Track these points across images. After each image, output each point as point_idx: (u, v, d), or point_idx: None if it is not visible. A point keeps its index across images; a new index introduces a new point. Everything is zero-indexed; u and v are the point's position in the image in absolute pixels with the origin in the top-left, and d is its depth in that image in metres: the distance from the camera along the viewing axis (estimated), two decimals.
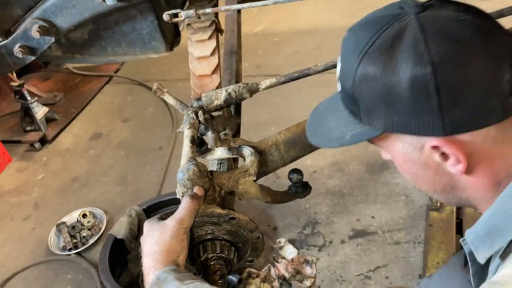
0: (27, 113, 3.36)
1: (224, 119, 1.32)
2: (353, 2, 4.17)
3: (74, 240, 2.57)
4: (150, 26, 1.42)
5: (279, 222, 2.43)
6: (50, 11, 1.33)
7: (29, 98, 3.31)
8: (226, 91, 1.24)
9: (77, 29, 1.42)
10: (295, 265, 1.35)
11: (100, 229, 2.62)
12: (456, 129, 0.71)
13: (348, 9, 4.18)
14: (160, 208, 2.41)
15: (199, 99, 1.25)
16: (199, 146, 1.24)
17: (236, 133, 1.49)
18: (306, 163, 2.69)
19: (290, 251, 1.40)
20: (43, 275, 2.44)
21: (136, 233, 2.35)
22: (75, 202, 2.83)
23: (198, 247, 1.07)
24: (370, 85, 0.75)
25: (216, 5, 1.57)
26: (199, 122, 1.22)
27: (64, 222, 2.65)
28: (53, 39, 1.36)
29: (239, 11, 2.11)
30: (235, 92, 1.25)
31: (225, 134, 1.40)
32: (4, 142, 3.28)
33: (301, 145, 1.29)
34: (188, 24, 1.45)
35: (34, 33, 1.33)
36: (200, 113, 1.22)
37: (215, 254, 1.07)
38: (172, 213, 1.00)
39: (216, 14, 1.50)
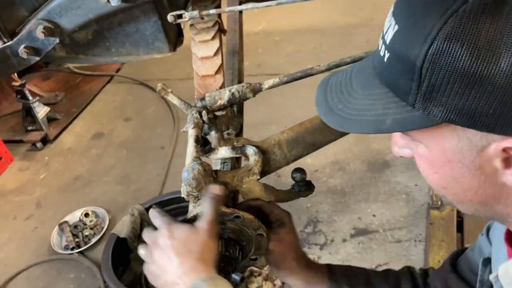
0: (28, 112, 3.37)
1: (228, 118, 1.33)
2: (353, 0, 4.18)
3: (77, 239, 2.59)
4: (153, 26, 1.43)
5: None
6: (55, 12, 1.34)
7: (30, 98, 3.32)
8: (230, 91, 1.25)
9: (81, 29, 1.43)
10: None
11: (102, 228, 2.64)
12: None
13: (348, 7, 4.19)
14: (163, 207, 2.42)
15: (202, 99, 1.25)
16: (203, 145, 1.24)
17: (239, 132, 1.50)
18: (307, 162, 2.70)
19: None
20: (46, 274, 2.46)
21: (139, 232, 2.36)
22: (77, 201, 2.85)
23: None
24: (454, 58, 0.55)
25: (219, 6, 1.58)
26: (203, 121, 1.22)
27: (66, 221, 2.67)
28: (57, 40, 1.37)
29: (240, 11, 2.12)
30: (239, 92, 1.25)
31: (228, 134, 1.41)
32: (6, 141, 3.30)
33: (304, 144, 1.30)
34: (191, 25, 1.46)
35: (39, 34, 1.34)
36: (204, 112, 1.22)
37: (219, 252, 1.08)
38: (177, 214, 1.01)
39: (219, 15, 1.51)
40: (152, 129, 3.35)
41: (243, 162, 1.33)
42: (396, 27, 0.61)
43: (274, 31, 4.24)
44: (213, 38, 1.40)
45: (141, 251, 0.95)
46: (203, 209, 0.97)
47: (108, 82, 4.00)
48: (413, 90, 0.60)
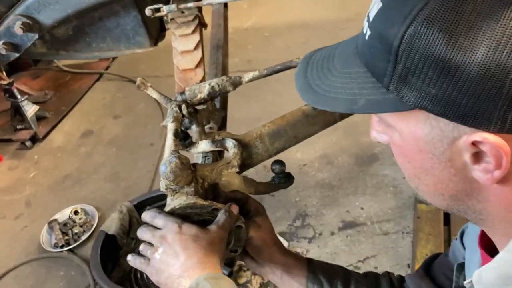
0: (17, 111, 3.36)
1: (208, 112, 1.33)
2: None
3: (66, 237, 2.58)
4: (133, 21, 1.43)
5: (269, 215, 2.40)
6: (33, 7, 1.33)
7: (19, 96, 3.31)
8: (210, 84, 1.25)
9: (61, 25, 1.42)
10: None
11: (92, 225, 2.63)
12: None
13: (337, 2, 4.19)
14: (151, 203, 2.42)
15: (182, 93, 1.25)
16: (184, 139, 1.24)
17: (222, 126, 1.50)
18: (296, 156, 2.71)
19: None
20: (35, 272, 2.45)
21: (128, 228, 2.36)
22: (66, 199, 2.84)
23: None
24: (430, 42, 0.54)
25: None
26: (183, 115, 1.22)
27: (56, 220, 2.66)
28: (36, 36, 1.36)
29: (225, 5, 2.11)
30: (218, 85, 1.25)
31: (210, 128, 1.41)
32: None
33: (286, 137, 1.30)
34: (172, 19, 1.45)
35: (17, 29, 1.33)
36: (183, 106, 1.22)
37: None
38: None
39: (200, 9, 1.51)
40: (142, 126, 3.35)
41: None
42: (380, 4, 0.60)
43: (263, 27, 4.23)
44: (194, 32, 1.40)
45: (142, 248, 0.97)
46: (218, 217, 0.98)
47: (98, 80, 3.98)
48: (389, 72, 0.58)
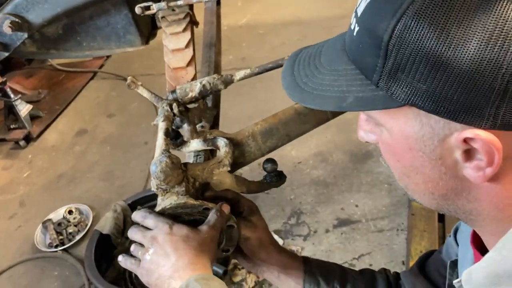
0: (10, 111, 3.34)
1: (200, 111, 1.32)
2: None
3: (61, 237, 2.57)
4: (124, 20, 1.42)
5: (264, 213, 2.41)
6: (22, 6, 1.32)
7: (12, 95, 3.29)
8: (201, 83, 1.24)
9: (51, 24, 1.41)
10: None
11: (86, 225, 2.62)
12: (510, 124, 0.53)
13: None
14: (145, 203, 2.42)
15: (173, 91, 1.24)
16: (175, 138, 1.24)
17: (214, 125, 1.49)
18: (291, 154, 2.70)
19: None
20: (30, 272, 2.44)
21: (122, 228, 2.35)
22: (61, 199, 2.83)
23: None
24: (420, 37, 0.53)
25: None
26: (174, 114, 1.21)
27: (50, 219, 2.65)
28: (26, 35, 1.35)
29: (218, 3, 2.10)
30: (210, 83, 1.24)
31: (202, 127, 1.40)
32: None
33: (278, 135, 1.29)
34: (162, 17, 1.44)
35: (6, 28, 1.32)
36: (174, 105, 1.21)
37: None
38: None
39: (191, 7, 1.50)
40: (136, 124, 3.34)
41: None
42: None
43: (258, 24, 4.22)
44: (184, 30, 1.39)
45: (133, 249, 0.96)
46: (209, 217, 0.97)
47: (92, 78, 3.96)
48: (379, 68, 0.57)
